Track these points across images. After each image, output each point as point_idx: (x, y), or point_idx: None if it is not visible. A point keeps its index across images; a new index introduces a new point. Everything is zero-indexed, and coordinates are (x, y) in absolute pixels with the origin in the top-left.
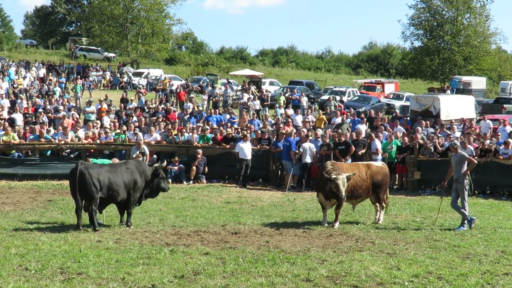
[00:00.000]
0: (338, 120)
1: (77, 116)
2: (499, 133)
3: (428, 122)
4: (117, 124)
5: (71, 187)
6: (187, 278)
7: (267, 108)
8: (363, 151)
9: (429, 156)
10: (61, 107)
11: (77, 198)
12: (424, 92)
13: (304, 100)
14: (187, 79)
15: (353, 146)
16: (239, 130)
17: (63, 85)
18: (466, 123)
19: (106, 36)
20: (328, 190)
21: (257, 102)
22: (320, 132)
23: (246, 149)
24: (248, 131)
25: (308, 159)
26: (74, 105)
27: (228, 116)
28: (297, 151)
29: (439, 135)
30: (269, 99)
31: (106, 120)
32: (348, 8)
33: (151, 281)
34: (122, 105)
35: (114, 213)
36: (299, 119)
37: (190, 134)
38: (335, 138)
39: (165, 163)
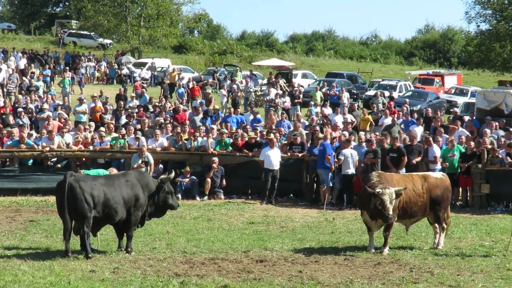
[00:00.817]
0: (387, 121)
1: (66, 116)
2: None
3: (498, 123)
4: (112, 126)
5: (58, 205)
6: None
7: (298, 107)
8: (418, 159)
9: (500, 165)
10: (46, 106)
11: (65, 217)
12: (493, 86)
13: (345, 97)
14: (215, 71)
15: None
16: (265, 133)
17: (48, 78)
18: None
19: (101, 18)
20: (372, 207)
21: (287, 99)
22: (365, 135)
23: (273, 157)
24: (277, 135)
25: (349, 170)
26: (62, 103)
27: (251, 117)
28: (335, 159)
29: None
30: (301, 96)
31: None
32: None
33: None
34: (122, 102)
35: (111, 236)
36: (338, 119)
37: (205, 138)
38: (383, 144)
39: (173, 174)
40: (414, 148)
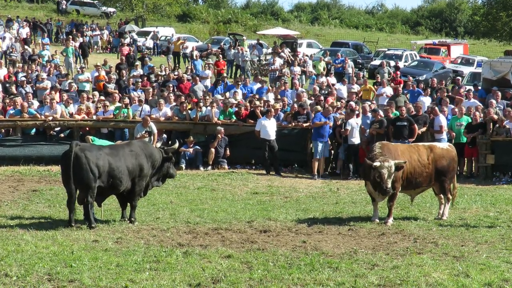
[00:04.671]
0: (390, 90)
1: (75, 87)
2: None
3: (507, 92)
4: (116, 96)
5: (63, 174)
6: (205, 287)
7: (303, 76)
8: (424, 129)
9: (505, 136)
10: (44, 75)
11: (70, 187)
12: (500, 56)
13: (350, 66)
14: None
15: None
16: (269, 103)
17: (48, 47)
18: None
19: None
20: (372, 179)
21: (298, 68)
22: (369, 105)
23: (269, 127)
24: (280, 104)
25: (355, 139)
26: (66, 72)
27: (257, 85)
28: (342, 130)
29: None
30: (306, 65)
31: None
32: None
33: None
34: (124, 72)
35: (114, 206)
36: (344, 89)
37: (209, 108)
38: (387, 113)
39: (177, 145)
40: (420, 118)
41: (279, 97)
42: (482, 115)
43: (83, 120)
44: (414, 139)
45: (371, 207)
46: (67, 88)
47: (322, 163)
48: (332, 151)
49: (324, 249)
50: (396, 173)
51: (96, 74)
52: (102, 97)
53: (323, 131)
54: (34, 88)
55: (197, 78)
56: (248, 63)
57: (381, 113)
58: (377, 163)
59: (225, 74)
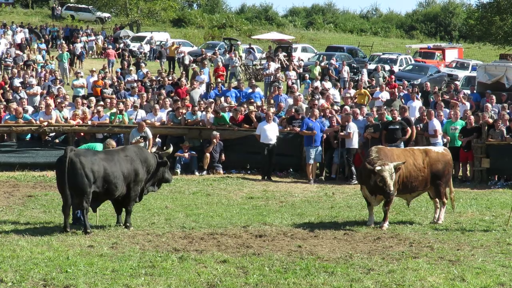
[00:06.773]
0: (387, 95)
1: (65, 91)
2: None
3: (502, 96)
4: (114, 101)
5: (58, 179)
6: None
7: (298, 81)
8: (406, 137)
9: (500, 140)
10: (33, 81)
11: (65, 192)
12: (494, 60)
13: (345, 71)
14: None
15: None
16: (264, 108)
17: (45, 52)
18: None
19: None
20: (373, 184)
21: (293, 73)
22: (365, 110)
23: (269, 131)
24: (276, 109)
25: (353, 144)
26: (61, 78)
27: (250, 90)
28: (341, 133)
29: None
30: (301, 69)
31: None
32: None
33: None
34: (121, 76)
35: (110, 212)
36: (337, 94)
37: (204, 113)
38: (382, 118)
39: (171, 149)
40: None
41: (272, 102)
42: (475, 118)
43: (78, 126)
44: (407, 144)
45: (367, 212)
46: (56, 93)
47: (314, 168)
48: (325, 156)
49: (320, 254)
50: None
51: (92, 79)
52: (101, 103)
53: (315, 136)
54: (30, 93)
55: (198, 83)
56: (238, 68)
57: (374, 115)
58: (378, 167)
59: (219, 80)
